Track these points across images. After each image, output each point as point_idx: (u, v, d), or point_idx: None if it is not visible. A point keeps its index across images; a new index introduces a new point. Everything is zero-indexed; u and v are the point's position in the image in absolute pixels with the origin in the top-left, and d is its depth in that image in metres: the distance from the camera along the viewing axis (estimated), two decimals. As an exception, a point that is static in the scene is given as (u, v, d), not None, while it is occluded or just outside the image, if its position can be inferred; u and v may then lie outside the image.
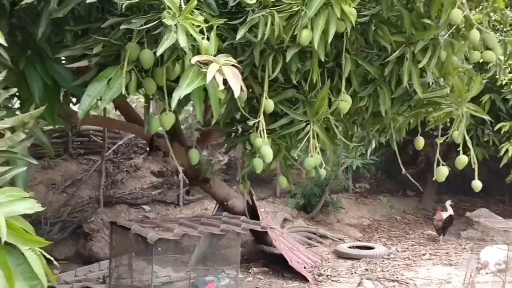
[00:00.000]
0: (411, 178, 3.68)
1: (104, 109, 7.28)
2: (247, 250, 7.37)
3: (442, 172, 3.36)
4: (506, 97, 7.72)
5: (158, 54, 2.33)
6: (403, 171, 3.59)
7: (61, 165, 8.18)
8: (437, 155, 3.37)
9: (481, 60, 7.43)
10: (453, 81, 3.28)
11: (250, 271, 6.52)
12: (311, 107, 3.14)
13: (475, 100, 7.94)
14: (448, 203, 8.29)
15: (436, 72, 3.24)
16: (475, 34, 2.74)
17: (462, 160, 3.19)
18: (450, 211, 8.18)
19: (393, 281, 6.04)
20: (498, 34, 4.94)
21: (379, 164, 9.63)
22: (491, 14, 4.82)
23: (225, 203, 6.52)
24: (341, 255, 7.18)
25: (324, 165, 3.19)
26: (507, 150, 7.75)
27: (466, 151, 3.31)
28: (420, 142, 3.54)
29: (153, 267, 4.89)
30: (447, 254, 7.17)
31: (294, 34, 2.74)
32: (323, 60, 2.88)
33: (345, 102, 3.12)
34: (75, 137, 8.45)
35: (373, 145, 5.19)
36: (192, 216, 6.82)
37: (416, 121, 3.71)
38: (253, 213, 6.85)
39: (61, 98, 3.47)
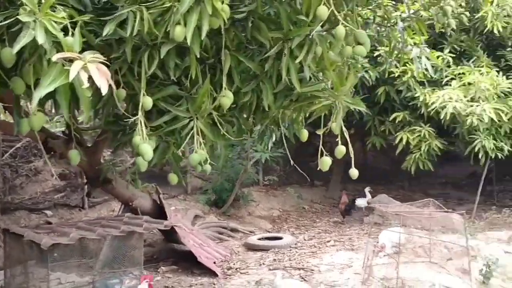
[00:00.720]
0: (299, 169, 3.81)
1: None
2: (157, 249, 7.27)
3: (325, 162, 3.49)
4: (399, 88, 8.24)
5: (14, 51, 2.23)
6: (292, 162, 3.71)
7: (-48, 172, 7.61)
8: (321, 146, 3.49)
9: (375, 55, 7.84)
10: (329, 75, 3.42)
11: (159, 270, 6.44)
12: (193, 103, 3.15)
13: (371, 92, 8.48)
14: (367, 189, 8.72)
15: (313, 67, 3.36)
16: (340, 30, 2.87)
17: (340, 150, 3.34)
18: (368, 197, 8.61)
19: (299, 269, 6.21)
20: (383, 29, 5.23)
21: (287, 157, 9.89)
22: (377, 10, 5.13)
23: (131, 204, 6.37)
24: (251, 247, 7.29)
25: (209, 161, 3.22)
26: (401, 139, 8.30)
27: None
28: (304, 134, 3.66)
29: (49, 273, 4.70)
30: (350, 239, 7.50)
31: (168, 30, 2.73)
32: (198, 56, 2.89)
33: (226, 98, 3.16)
34: (-33, 142, 7.88)
35: (273, 138, 5.33)
36: (94, 218, 6.62)
37: (301, 114, 3.82)
38: (161, 212, 6.77)
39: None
